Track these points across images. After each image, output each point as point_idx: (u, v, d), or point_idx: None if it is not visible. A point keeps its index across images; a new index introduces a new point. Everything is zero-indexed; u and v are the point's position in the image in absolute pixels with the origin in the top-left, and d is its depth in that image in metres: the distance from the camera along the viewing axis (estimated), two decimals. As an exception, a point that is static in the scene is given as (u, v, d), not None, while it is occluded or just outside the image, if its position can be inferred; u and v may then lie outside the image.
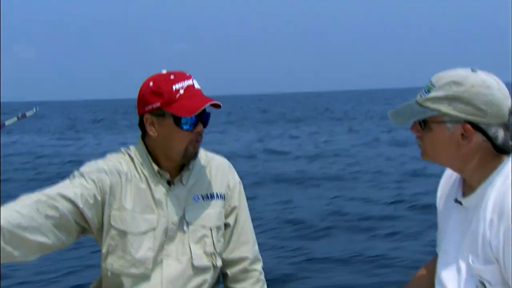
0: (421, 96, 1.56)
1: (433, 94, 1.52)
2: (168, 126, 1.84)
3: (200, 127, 1.86)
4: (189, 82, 1.85)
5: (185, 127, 1.83)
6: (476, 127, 1.47)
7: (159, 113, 1.83)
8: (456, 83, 1.48)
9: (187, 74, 1.88)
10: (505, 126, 1.50)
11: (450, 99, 1.49)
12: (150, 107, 1.84)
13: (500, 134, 1.49)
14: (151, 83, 1.85)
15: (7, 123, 2.63)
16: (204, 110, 1.85)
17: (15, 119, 2.63)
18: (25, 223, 1.65)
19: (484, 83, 1.48)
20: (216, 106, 1.86)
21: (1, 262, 1.64)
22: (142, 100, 1.87)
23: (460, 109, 1.47)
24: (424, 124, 1.55)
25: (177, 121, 1.82)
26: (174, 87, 1.82)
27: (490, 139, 1.49)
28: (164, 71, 1.88)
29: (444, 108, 1.49)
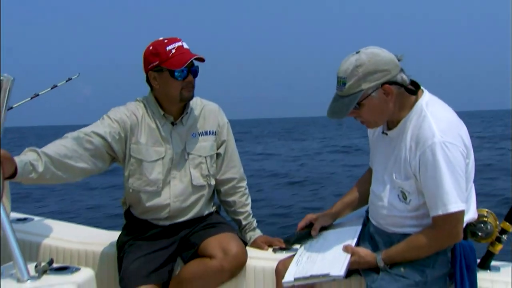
0: (341, 90, 1.98)
1: (350, 83, 1.94)
2: (165, 78, 2.39)
3: (190, 77, 2.40)
4: (179, 43, 2.38)
5: (178, 77, 2.37)
6: (390, 83, 1.95)
7: (158, 69, 2.38)
8: (358, 66, 1.93)
9: (178, 38, 2.40)
10: (402, 70, 1.99)
11: (363, 77, 1.93)
12: (151, 65, 2.39)
13: (404, 77, 1.98)
14: (151, 47, 2.40)
15: (59, 84, 3.12)
16: (193, 64, 2.39)
17: (63, 81, 3.11)
18: (70, 154, 2.21)
19: (373, 54, 1.94)
20: (200, 59, 2.39)
21: (55, 183, 2.23)
22: (145, 60, 2.42)
23: (373, 79, 1.93)
24: (358, 106, 1.98)
25: (172, 73, 2.36)
26: (167, 48, 2.35)
27: (401, 84, 1.97)
28: (160, 38, 2.41)
29: (364, 85, 1.93)
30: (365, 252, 2.08)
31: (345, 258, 2.07)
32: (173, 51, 2.35)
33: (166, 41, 2.38)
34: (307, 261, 2.21)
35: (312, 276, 2.09)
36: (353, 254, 2.08)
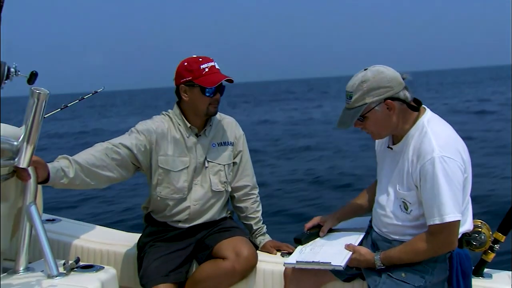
0: (348, 103, 2.14)
1: (355, 96, 2.10)
2: (196, 93, 2.57)
3: (217, 95, 2.59)
4: (212, 63, 2.57)
5: (208, 94, 2.55)
6: (392, 98, 2.10)
7: (190, 84, 2.56)
8: (363, 81, 2.09)
9: (211, 58, 2.59)
10: (406, 88, 2.13)
11: (367, 92, 2.09)
12: (184, 79, 2.58)
13: (407, 94, 2.13)
14: (185, 63, 2.58)
15: (85, 96, 3.29)
16: (221, 83, 2.57)
17: (90, 94, 3.29)
18: (98, 163, 2.41)
19: (378, 71, 2.10)
20: (230, 81, 2.57)
21: (84, 189, 2.43)
22: (178, 74, 2.61)
23: (377, 94, 2.08)
24: (362, 118, 2.14)
25: (203, 90, 2.54)
26: (201, 67, 2.54)
27: (404, 101, 2.11)
28: (194, 55, 2.60)
29: (368, 99, 2.09)
30: (365, 250, 2.21)
31: (347, 254, 2.21)
32: (206, 69, 2.54)
33: (200, 59, 2.57)
34: (310, 252, 2.34)
35: (314, 262, 2.23)
36: (354, 251, 2.21)
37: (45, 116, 3.21)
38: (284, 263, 2.32)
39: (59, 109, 3.23)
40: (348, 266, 2.24)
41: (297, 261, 2.28)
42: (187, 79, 2.56)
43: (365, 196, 2.53)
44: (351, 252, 2.22)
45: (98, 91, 3.44)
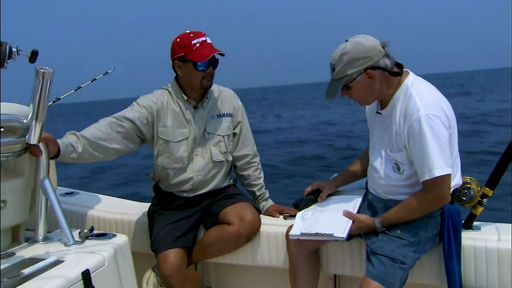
0: (332, 74, 2.22)
1: (337, 69, 2.19)
2: (189, 68, 2.64)
3: (210, 69, 2.65)
4: (203, 38, 2.62)
5: (200, 68, 2.63)
6: (372, 68, 2.17)
7: (183, 59, 2.64)
8: (343, 54, 2.17)
9: (203, 33, 2.64)
10: (387, 55, 2.20)
11: (348, 64, 2.17)
12: (177, 55, 2.65)
13: (387, 62, 2.19)
14: (178, 39, 2.65)
15: (97, 77, 3.40)
16: (214, 56, 2.62)
17: (101, 75, 3.41)
18: (104, 136, 2.51)
19: (357, 43, 2.17)
20: (221, 54, 2.63)
21: (93, 161, 2.54)
22: (172, 50, 2.68)
23: (357, 65, 2.16)
24: (347, 88, 2.23)
25: (195, 65, 2.61)
26: (192, 42, 2.60)
27: (384, 68, 2.19)
28: (187, 31, 2.66)
29: (349, 71, 2.17)
30: (364, 217, 2.32)
31: (347, 223, 2.31)
32: (197, 45, 2.59)
33: (192, 35, 2.62)
34: (312, 217, 2.44)
35: (317, 234, 2.33)
36: (354, 220, 2.32)
37: (60, 97, 3.35)
38: (289, 235, 2.41)
39: (73, 90, 3.37)
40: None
41: (301, 233, 2.37)
42: (180, 54, 2.63)
43: (359, 163, 2.62)
44: (351, 221, 2.31)
45: (109, 72, 3.55)
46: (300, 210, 2.56)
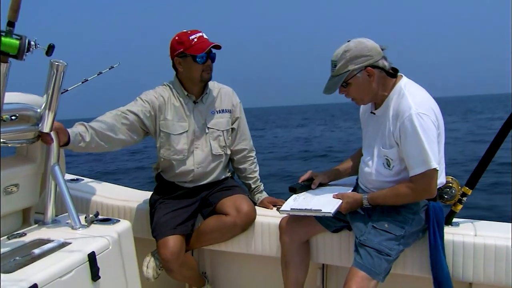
0: (332, 71, 2.32)
1: (339, 65, 2.29)
2: (189, 62, 2.78)
3: (209, 62, 2.79)
4: (200, 34, 2.76)
5: (199, 60, 2.75)
6: (372, 66, 2.29)
7: (182, 55, 2.77)
8: (346, 51, 2.28)
9: (199, 30, 2.78)
10: (385, 58, 2.33)
11: (350, 60, 2.28)
12: (176, 52, 2.78)
13: (385, 63, 2.32)
14: (176, 38, 2.78)
15: (103, 71, 3.49)
16: (211, 51, 2.76)
17: (106, 69, 3.51)
18: (110, 128, 2.64)
19: (359, 42, 2.29)
20: (217, 47, 2.76)
21: (99, 151, 2.66)
22: (172, 48, 2.81)
23: (358, 62, 2.28)
24: (346, 84, 2.33)
25: (194, 58, 2.74)
26: (190, 37, 2.74)
27: (382, 68, 2.31)
28: (184, 30, 2.79)
29: (350, 67, 2.28)
30: (352, 193, 2.45)
31: (337, 202, 2.42)
32: (195, 40, 2.73)
33: (189, 32, 2.77)
34: (304, 200, 2.55)
35: (306, 209, 2.45)
36: (343, 198, 2.43)
37: (68, 89, 3.48)
38: (280, 209, 2.53)
39: (80, 83, 3.50)
40: (336, 219, 2.48)
41: (291, 208, 2.49)
42: (179, 51, 2.76)
43: (350, 161, 2.74)
44: (340, 201, 2.42)
45: (115, 66, 3.67)
46: (296, 193, 2.65)
